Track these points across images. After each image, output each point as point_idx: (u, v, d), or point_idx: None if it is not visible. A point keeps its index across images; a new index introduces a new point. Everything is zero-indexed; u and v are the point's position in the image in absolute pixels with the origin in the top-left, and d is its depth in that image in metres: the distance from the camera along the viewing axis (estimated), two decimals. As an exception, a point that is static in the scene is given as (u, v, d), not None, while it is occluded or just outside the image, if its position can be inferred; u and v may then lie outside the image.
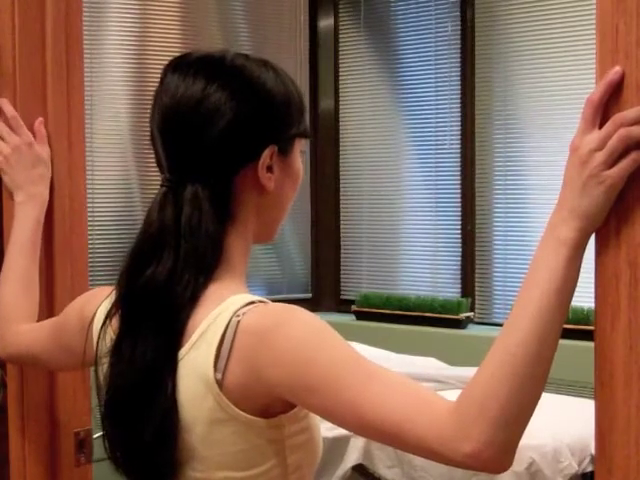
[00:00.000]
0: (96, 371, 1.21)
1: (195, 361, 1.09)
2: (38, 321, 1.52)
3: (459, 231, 4.75)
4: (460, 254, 4.75)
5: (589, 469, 3.11)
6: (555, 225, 0.96)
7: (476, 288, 4.72)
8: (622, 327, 0.94)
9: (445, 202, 4.80)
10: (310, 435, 1.16)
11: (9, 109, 1.58)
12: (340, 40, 5.17)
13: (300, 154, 1.22)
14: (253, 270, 4.86)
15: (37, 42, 1.60)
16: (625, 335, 0.94)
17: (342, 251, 5.07)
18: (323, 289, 5.04)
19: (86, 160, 1.69)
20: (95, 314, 1.24)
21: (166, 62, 1.20)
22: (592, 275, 0.98)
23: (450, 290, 4.77)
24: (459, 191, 4.74)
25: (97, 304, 1.25)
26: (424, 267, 4.87)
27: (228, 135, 1.12)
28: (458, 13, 4.72)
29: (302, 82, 5.20)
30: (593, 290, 0.98)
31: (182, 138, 1.14)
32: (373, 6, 5.04)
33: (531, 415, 0.95)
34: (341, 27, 5.18)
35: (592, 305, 0.98)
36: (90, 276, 1.74)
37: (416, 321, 4.63)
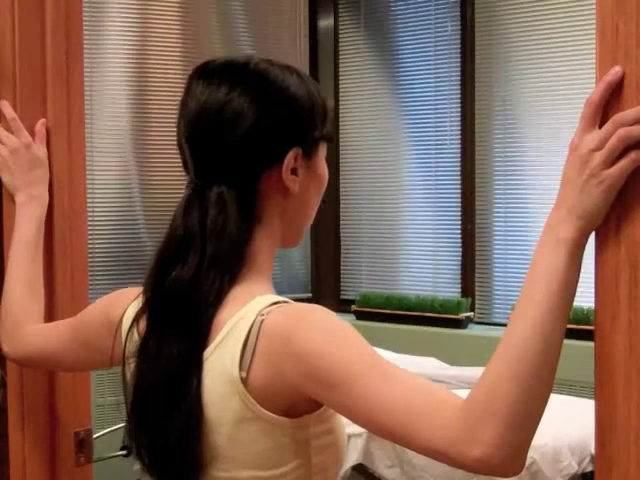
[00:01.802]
0: (123, 372, 1.22)
1: (220, 361, 1.10)
2: (45, 322, 1.52)
3: (459, 231, 4.75)
4: (460, 254, 4.75)
5: (589, 469, 3.11)
6: (554, 225, 0.96)
7: (476, 288, 4.72)
8: (622, 327, 0.94)
9: (445, 202, 4.80)
10: (335, 437, 1.17)
11: (9, 111, 1.59)
12: (340, 40, 5.17)
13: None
14: (253, 270, 4.85)
15: (37, 42, 1.60)
16: (625, 335, 0.94)
17: (342, 251, 5.07)
18: (323, 289, 5.04)
19: (86, 160, 1.69)
20: (123, 315, 1.25)
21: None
22: (592, 275, 0.98)
23: (450, 290, 4.77)
24: (459, 191, 4.74)
25: (124, 305, 1.26)
26: (424, 267, 4.87)
27: (251, 138, 1.14)
28: (458, 13, 4.72)
29: (302, 82, 5.20)
30: (593, 290, 0.98)
31: (207, 141, 1.16)
32: (373, 6, 5.04)
33: (539, 418, 0.94)
34: (341, 27, 5.18)
35: (592, 305, 0.98)
36: (90, 276, 1.74)
37: (416, 321, 4.63)
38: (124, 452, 2.11)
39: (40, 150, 1.59)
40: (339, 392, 1.01)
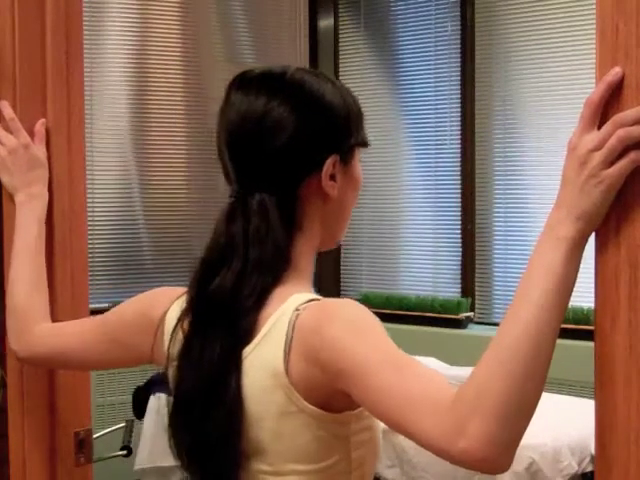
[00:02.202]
0: (165, 373, 1.25)
1: (262, 357, 1.13)
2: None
3: (459, 231, 4.75)
4: (460, 254, 4.75)
5: (589, 469, 3.11)
6: (553, 225, 0.96)
7: (476, 288, 4.72)
8: (622, 327, 0.94)
9: (445, 202, 4.80)
10: (372, 434, 1.20)
11: (8, 112, 1.58)
12: (340, 40, 5.17)
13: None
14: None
15: (37, 42, 1.60)
16: (625, 335, 0.94)
17: (342, 251, 5.07)
18: (323, 289, 5.02)
19: (86, 160, 1.69)
20: (165, 315, 1.27)
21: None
22: (592, 275, 0.98)
23: (450, 290, 4.77)
24: (459, 191, 4.74)
25: (165, 305, 1.28)
26: (424, 267, 4.88)
27: (291, 147, 1.18)
28: (458, 13, 4.73)
29: (302, 82, 5.20)
30: (593, 290, 0.98)
31: (248, 151, 1.19)
32: (373, 6, 5.04)
33: (529, 417, 0.94)
34: (341, 27, 5.18)
35: (592, 305, 0.98)
36: (90, 276, 1.74)
37: (416, 321, 4.64)
38: (124, 452, 2.11)
39: (39, 150, 1.59)
40: (357, 384, 1.04)
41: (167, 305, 1.28)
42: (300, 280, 1.21)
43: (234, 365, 1.14)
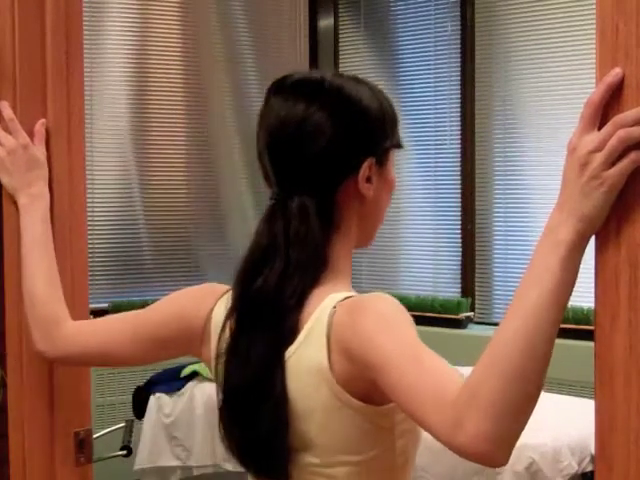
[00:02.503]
0: (216, 369, 1.28)
1: (305, 355, 1.18)
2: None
3: (459, 231, 4.75)
4: (460, 254, 4.75)
5: (589, 469, 3.11)
6: (554, 226, 0.96)
7: (476, 288, 4.72)
8: (622, 327, 0.94)
9: (445, 202, 4.80)
10: (414, 423, 1.22)
11: (7, 112, 1.58)
12: (340, 40, 5.17)
13: None
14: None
15: (37, 42, 1.60)
16: (625, 335, 0.94)
17: (342, 251, 5.06)
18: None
19: (86, 160, 1.69)
20: (212, 313, 1.31)
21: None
22: (592, 275, 0.98)
23: (450, 290, 4.77)
24: (459, 191, 4.74)
25: (208, 303, 1.32)
26: (424, 267, 4.88)
27: (329, 151, 1.22)
28: (458, 13, 4.73)
29: (302, 82, 5.20)
30: (593, 290, 0.98)
31: (288, 155, 1.24)
32: (373, 6, 5.04)
33: (525, 413, 0.96)
34: (341, 27, 5.18)
35: (592, 305, 0.98)
36: (90, 276, 1.74)
37: (416, 321, 4.57)
38: (124, 452, 2.11)
39: (39, 151, 1.59)
40: (382, 377, 1.08)
41: (212, 303, 1.32)
42: (338, 280, 1.25)
43: (279, 363, 1.19)
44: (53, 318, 1.48)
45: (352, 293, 1.23)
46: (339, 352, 1.15)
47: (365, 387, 1.15)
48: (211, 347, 1.30)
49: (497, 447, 0.95)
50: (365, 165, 1.25)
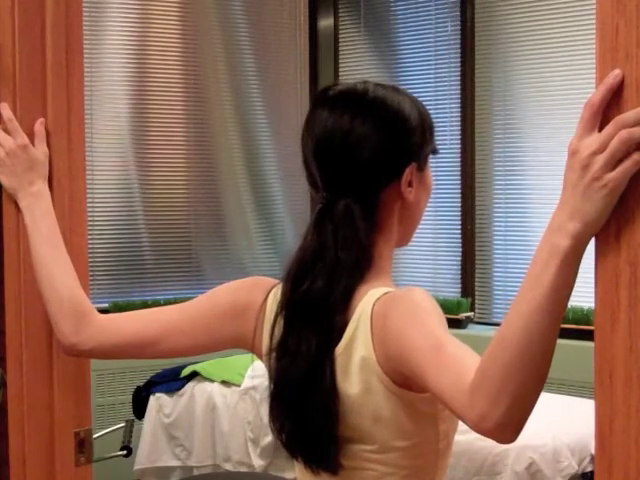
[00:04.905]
0: (269, 363, 1.34)
1: (354, 350, 1.25)
2: None
3: (459, 231, 4.75)
4: (460, 254, 4.75)
5: (589, 469, 3.11)
6: (554, 228, 0.96)
7: (476, 288, 4.72)
8: (622, 327, 0.94)
9: (445, 202, 4.80)
10: None
11: (6, 112, 1.58)
12: (340, 40, 5.17)
13: None
14: (254, 269, 4.86)
15: (37, 42, 1.60)
16: (625, 335, 0.94)
17: (342, 251, 5.06)
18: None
19: (86, 160, 1.68)
20: (263, 306, 1.38)
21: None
22: (592, 275, 0.98)
23: (450, 290, 4.78)
24: (459, 191, 4.74)
25: (260, 296, 1.39)
26: (424, 267, 4.88)
27: (374, 159, 1.30)
28: (458, 13, 4.73)
29: (302, 82, 5.21)
30: (593, 290, 0.98)
31: (335, 163, 1.32)
32: (373, 6, 5.04)
33: (528, 401, 1.02)
34: (341, 27, 5.18)
35: (592, 305, 0.98)
36: (90, 276, 1.74)
37: (416, 321, 4.63)
38: (124, 452, 2.11)
39: (38, 151, 1.58)
40: (410, 365, 1.16)
41: (262, 295, 1.39)
42: (380, 277, 1.32)
43: (328, 360, 1.26)
44: (82, 309, 1.47)
45: (391, 289, 1.29)
46: (381, 345, 1.22)
47: (405, 375, 1.21)
48: (263, 341, 1.36)
49: (504, 427, 1.03)
50: (407, 171, 1.33)
